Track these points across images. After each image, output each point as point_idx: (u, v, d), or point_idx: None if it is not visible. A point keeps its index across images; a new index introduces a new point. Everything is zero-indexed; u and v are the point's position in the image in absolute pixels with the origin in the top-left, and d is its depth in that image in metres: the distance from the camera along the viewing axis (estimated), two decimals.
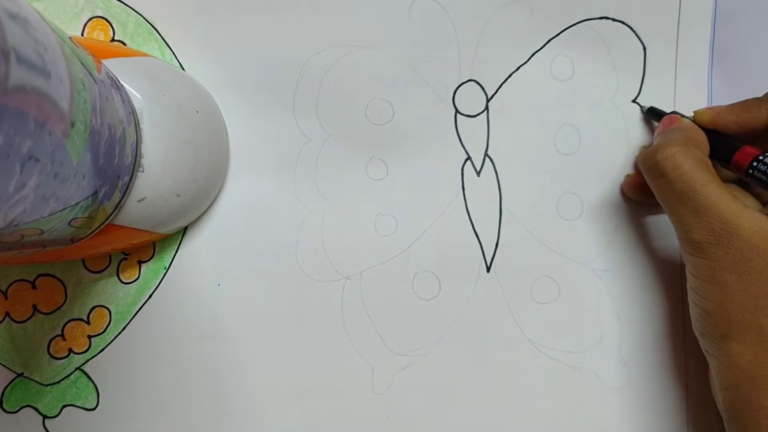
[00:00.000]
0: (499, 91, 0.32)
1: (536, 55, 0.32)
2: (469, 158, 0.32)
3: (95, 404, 0.32)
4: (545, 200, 0.32)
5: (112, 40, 0.31)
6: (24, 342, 0.32)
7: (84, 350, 0.32)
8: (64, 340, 0.32)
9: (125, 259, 0.32)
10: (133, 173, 0.26)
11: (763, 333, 0.24)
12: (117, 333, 0.32)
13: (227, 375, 0.32)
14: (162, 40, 0.32)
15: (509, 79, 0.32)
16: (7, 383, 0.32)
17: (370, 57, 0.32)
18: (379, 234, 0.32)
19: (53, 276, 0.32)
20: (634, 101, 0.32)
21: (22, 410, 0.32)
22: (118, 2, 0.31)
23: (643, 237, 0.32)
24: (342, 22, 0.31)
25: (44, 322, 0.32)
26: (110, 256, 0.32)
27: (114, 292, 0.32)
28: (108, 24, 0.31)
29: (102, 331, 0.32)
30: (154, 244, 0.32)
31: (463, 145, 0.32)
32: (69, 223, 0.22)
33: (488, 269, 0.32)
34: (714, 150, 0.28)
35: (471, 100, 0.32)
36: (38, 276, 0.32)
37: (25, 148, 0.16)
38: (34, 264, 0.31)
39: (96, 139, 0.21)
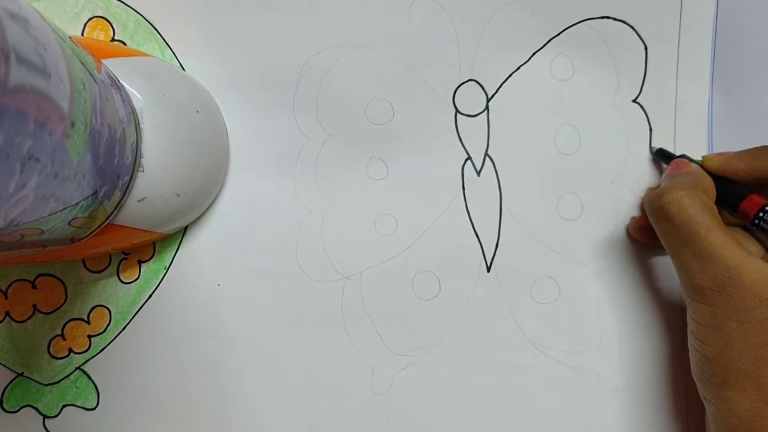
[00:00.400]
0: (499, 91, 0.32)
1: (537, 54, 0.32)
2: (469, 158, 0.32)
3: (95, 404, 0.32)
4: (545, 200, 0.32)
5: (112, 39, 0.31)
6: (24, 342, 0.32)
7: (84, 350, 0.32)
8: (64, 339, 0.32)
9: (125, 258, 0.32)
10: (133, 173, 0.26)
11: (762, 383, 0.24)
12: (117, 333, 0.32)
13: (227, 375, 0.32)
14: (162, 40, 0.32)
15: (509, 78, 0.32)
16: (7, 383, 0.32)
17: (370, 57, 0.32)
18: (379, 234, 0.32)
19: (53, 276, 0.32)
20: (634, 101, 0.32)
21: (22, 410, 0.32)
22: (118, 2, 0.31)
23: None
24: (342, 22, 0.31)
25: (44, 321, 0.32)
26: (110, 256, 0.32)
27: (114, 292, 0.32)
28: (108, 24, 0.31)
29: (102, 330, 0.32)
30: (154, 244, 0.32)
31: (463, 145, 0.32)
32: (69, 223, 0.22)
33: (488, 269, 0.32)
34: (721, 196, 0.28)
35: (471, 99, 0.32)
36: (38, 276, 0.32)
37: (26, 148, 0.16)
38: (34, 264, 0.31)
39: (96, 138, 0.21)
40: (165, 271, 0.32)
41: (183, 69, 0.32)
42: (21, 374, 0.32)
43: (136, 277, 0.32)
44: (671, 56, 0.31)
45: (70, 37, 0.22)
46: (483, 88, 0.32)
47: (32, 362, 0.32)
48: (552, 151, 0.32)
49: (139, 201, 0.27)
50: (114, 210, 0.26)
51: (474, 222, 0.32)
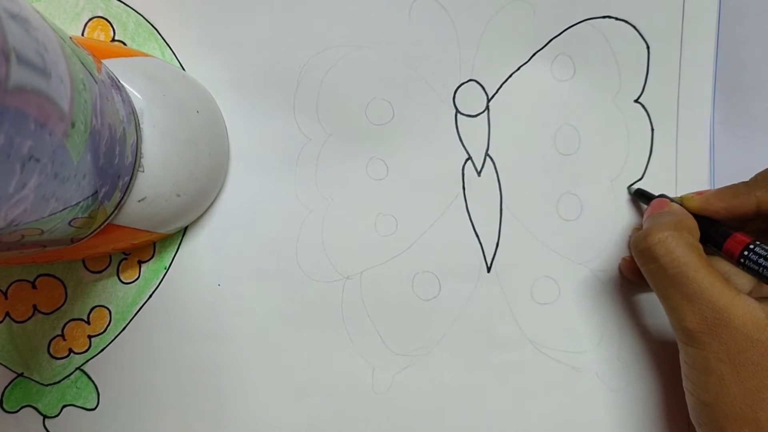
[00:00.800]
0: (499, 91, 0.32)
1: (537, 54, 0.32)
2: (469, 158, 0.32)
3: (95, 404, 0.32)
4: (546, 200, 0.32)
5: (113, 40, 0.31)
6: (24, 342, 0.32)
7: (84, 350, 0.32)
8: (65, 340, 0.32)
9: (125, 259, 0.32)
10: (133, 173, 0.26)
11: (761, 428, 0.24)
12: (117, 333, 0.32)
13: (227, 375, 0.32)
14: (162, 40, 0.32)
15: (510, 78, 0.32)
16: (7, 383, 0.32)
17: (371, 57, 0.32)
18: (379, 234, 0.32)
19: (53, 276, 0.32)
20: (636, 101, 0.32)
21: (22, 410, 0.32)
22: (119, 2, 0.31)
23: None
24: (342, 22, 0.31)
25: (44, 322, 0.32)
26: (110, 256, 0.32)
27: (114, 292, 0.32)
28: (108, 24, 0.31)
29: (102, 331, 0.32)
30: (154, 244, 0.32)
31: (463, 145, 0.32)
32: (69, 223, 0.22)
33: (488, 269, 0.32)
34: (704, 235, 0.28)
35: (471, 99, 0.32)
36: (38, 276, 0.32)
37: (26, 149, 0.16)
38: (34, 264, 0.31)
39: (96, 139, 0.21)
40: (165, 271, 0.32)
41: (183, 69, 0.32)
42: (21, 374, 0.32)
43: (136, 277, 0.32)
44: (674, 55, 0.31)
45: (70, 38, 0.22)
46: (483, 88, 0.32)
47: (32, 362, 0.32)
48: (552, 152, 0.32)
49: (139, 201, 0.27)
50: (114, 210, 0.26)
51: (474, 222, 0.32)
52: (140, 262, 0.32)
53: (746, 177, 0.29)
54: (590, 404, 0.32)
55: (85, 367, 0.32)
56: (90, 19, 0.31)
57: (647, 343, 0.32)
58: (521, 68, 0.32)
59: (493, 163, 0.32)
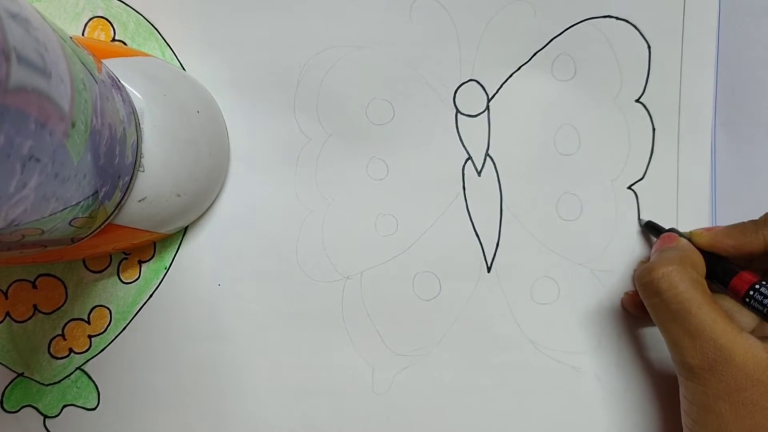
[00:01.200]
0: (500, 91, 0.32)
1: (538, 54, 0.32)
2: (470, 158, 0.32)
3: (96, 404, 0.32)
4: (546, 200, 0.32)
5: (113, 40, 0.31)
6: (24, 342, 0.32)
7: (84, 350, 0.32)
8: (65, 339, 0.32)
9: (126, 258, 0.32)
10: (133, 173, 0.26)
11: None
12: (117, 333, 0.32)
13: (227, 375, 0.32)
14: (162, 40, 0.32)
15: (510, 78, 0.32)
16: (7, 383, 0.32)
17: (371, 57, 0.32)
18: (379, 234, 0.32)
19: (54, 276, 0.32)
20: (637, 101, 0.32)
21: (22, 410, 0.32)
22: (119, 2, 0.31)
23: (642, 237, 0.32)
24: (343, 22, 0.31)
25: (45, 321, 0.32)
26: (111, 256, 0.32)
27: (114, 292, 0.32)
28: (109, 24, 0.31)
29: (102, 330, 0.32)
30: (154, 244, 0.32)
31: (464, 145, 0.32)
32: (70, 223, 0.22)
33: (489, 269, 0.32)
34: (711, 271, 0.28)
35: (472, 99, 0.32)
36: (39, 276, 0.32)
37: (26, 148, 0.16)
38: (34, 264, 0.31)
39: (96, 139, 0.21)
40: (165, 271, 0.32)
41: (183, 69, 0.32)
42: (21, 374, 0.32)
43: (136, 277, 0.32)
44: (675, 55, 0.31)
45: (70, 37, 0.22)
46: (484, 88, 0.32)
47: (33, 362, 0.32)
48: (552, 152, 0.32)
49: (139, 201, 0.27)
50: (114, 210, 0.26)
51: (474, 222, 0.32)
52: (140, 262, 0.32)
53: (748, 177, 0.29)
54: (590, 404, 0.32)
55: (86, 367, 0.32)
56: (90, 19, 0.31)
57: (647, 343, 0.32)
58: (522, 68, 0.32)
59: (494, 163, 0.32)
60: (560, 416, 0.32)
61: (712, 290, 0.27)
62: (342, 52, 0.32)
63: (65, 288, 0.32)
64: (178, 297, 0.32)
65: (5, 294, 0.32)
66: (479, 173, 0.32)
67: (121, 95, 0.25)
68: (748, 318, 0.27)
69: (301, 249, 0.32)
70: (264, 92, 0.32)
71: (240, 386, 0.32)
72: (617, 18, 0.31)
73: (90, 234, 0.26)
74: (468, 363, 0.32)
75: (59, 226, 0.22)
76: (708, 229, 0.29)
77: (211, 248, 0.32)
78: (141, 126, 0.26)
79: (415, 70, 0.32)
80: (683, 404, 0.27)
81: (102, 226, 0.27)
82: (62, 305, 0.32)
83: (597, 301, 0.32)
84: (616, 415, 0.32)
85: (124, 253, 0.32)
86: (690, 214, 0.32)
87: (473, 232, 0.32)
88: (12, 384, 0.32)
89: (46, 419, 0.32)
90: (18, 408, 0.32)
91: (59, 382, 0.32)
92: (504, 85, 0.32)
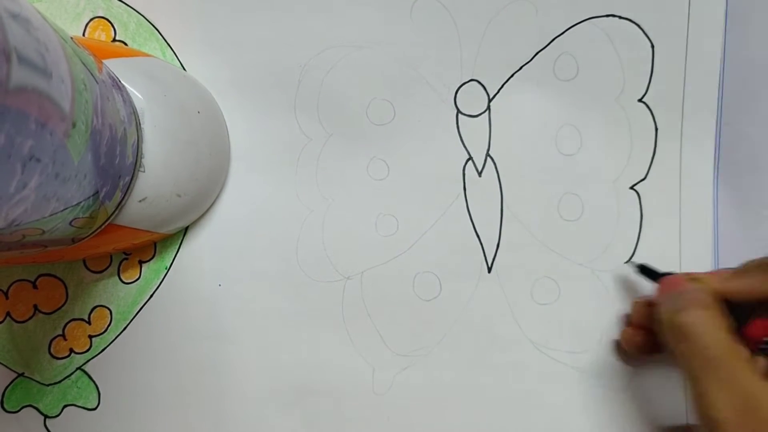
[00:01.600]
0: (501, 91, 0.32)
1: (540, 54, 0.32)
2: (470, 158, 0.32)
3: (96, 404, 0.32)
4: (547, 201, 0.32)
5: (114, 40, 0.31)
6: (25, 342, 0.32)
7: (85, 350, 0.32)
8: (65, 339, 0.32)
9: (126, 259, 0.32)
10: (134, 173, 0.26)
11: None
12: (118, 333, 0.32)
13: (227, 375, 0.32)
14: (163, 41, 0.32)
15: (512, 78, 0.32)
16: (8, 383, 0.32)
17: (372, 57, 0.32)
18: (380, 234, 0.32)
19: (54, 276, 0.32)
20: (640, 100, 0.32)
21: (23, 410, 0.32)
22: (120, 2, 0.31)
23: (644, 239, 0.32)
24: (343, 22, 0.31)
25: (45, 321, 0.32)
26: (111, 256, 0.32)
27: (115, 292, 0.32)
28: (109, 24, 0.31)
29: (103, 331, 0.32)
30: (155, 244, 0.32)
31: (464, 146, 0.32)
32: (70, 223, 0.22)
33: (489, 270, 0.32)
34: None
35: (473, 99, 0.32)
36: (39, 276, 0.32)
37: (27, 148, 0.16)
38: (35, 264, 0.31)
39: (97, 139, 0.21)
40: (166, 271, 0.32)
41: (184, 69, 0.32)
42: (22, 374, 0.32)
43: (137, 277, 0.32)
44: (679, 54, 0.31)
45: (71, 38, 0.22)
46: (485, 88, 0.32)
47: (33, 362, 0.32)
48: (554, 152, 0.32)
49: (140, 201, 0.27)
50: (115, 210, 0.26)
51: (475, 222, 0.32)
52: (141, 262, 0.32)
53: (751, 177, 0.28)
54: (590, 404, 0.32)
55: (86, 367, 0.32)
56: (91, 19, 0.31)
57: None
58: (523, 68, 0.32)
59: (494, 164, 0.32)
60: (560, 416, 0.32)
61: None
62: (342, 52, 0.32)
63: (66, 288, 0.32)
64: (179, 297, 0.32)
65: (6, 294, 0.32)
66: (480, 173, 0.32)
67: (122, 95, 0.25)
68: (761, 363, 0.26)
69: (301, 249, 0.32)
70: (264, 92, 0.32)
71: (240, 386, 0.32)
72: (620, 17, 0.31)
73: (90, 234, 0.26)
74: (468, 363, 0.32)
75: (60, 227, 0.22)
76: (712, 274, 0.27)
77: (211, 248, 0.32)
78: (141, 126, 0.26)
79: (416, 70, 0.32)
80: None
81: (102, 227, 0.27)
82: (63, 305, 0.32)
83: (597, 302, 0.32)
84: (616, 415, 0.32)
85: (125, 253, 0.32)
86: (692, 215, 0.31)
87: (474, 233, 0.32)
88: (12, 384, 0.32)
89: (47, 419, 0.32)
90: (18, 408, 0.32)
91: (60, 382, 0.32)
92: (505, 85, 0.32)
